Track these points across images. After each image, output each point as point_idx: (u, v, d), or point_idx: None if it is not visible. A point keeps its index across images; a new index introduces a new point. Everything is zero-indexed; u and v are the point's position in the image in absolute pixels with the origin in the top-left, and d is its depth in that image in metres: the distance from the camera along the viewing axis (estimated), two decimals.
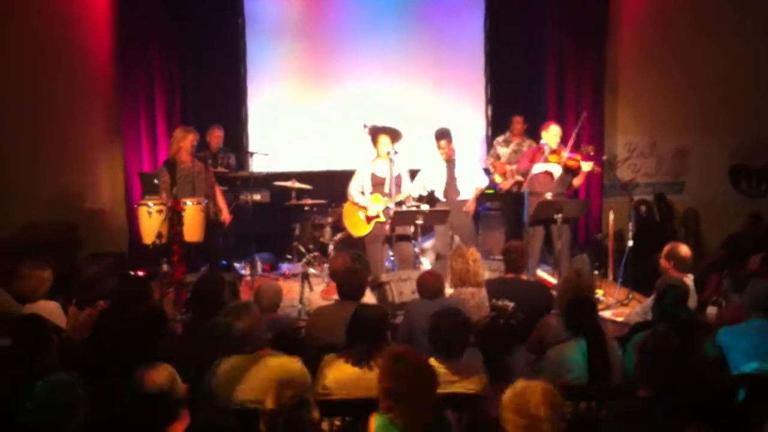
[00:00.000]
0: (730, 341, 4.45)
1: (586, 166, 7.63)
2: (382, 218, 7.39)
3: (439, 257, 7.90)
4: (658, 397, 3.32)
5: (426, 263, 8.20)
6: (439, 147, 7.82)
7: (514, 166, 8.52)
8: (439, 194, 7.92)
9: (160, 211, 7.02)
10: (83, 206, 9.30)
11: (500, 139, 9.08)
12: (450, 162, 7.89)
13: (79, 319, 5.16)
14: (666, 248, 5.89)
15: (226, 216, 7.74)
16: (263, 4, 9.82)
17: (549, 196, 7.62)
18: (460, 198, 7.88)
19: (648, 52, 9.76)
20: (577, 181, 7.87)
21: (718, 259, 7.71)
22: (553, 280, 7.76)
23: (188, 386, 3.56)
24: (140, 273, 7.57)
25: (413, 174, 7.83)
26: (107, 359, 4.14)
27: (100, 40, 9.25)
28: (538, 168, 7.70)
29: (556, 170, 7.73)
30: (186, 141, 7.39)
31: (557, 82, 9.76)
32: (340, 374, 4.02)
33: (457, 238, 8.05)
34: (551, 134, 7.74)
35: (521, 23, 9.87)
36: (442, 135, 7.83)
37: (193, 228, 7.07)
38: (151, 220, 7.05)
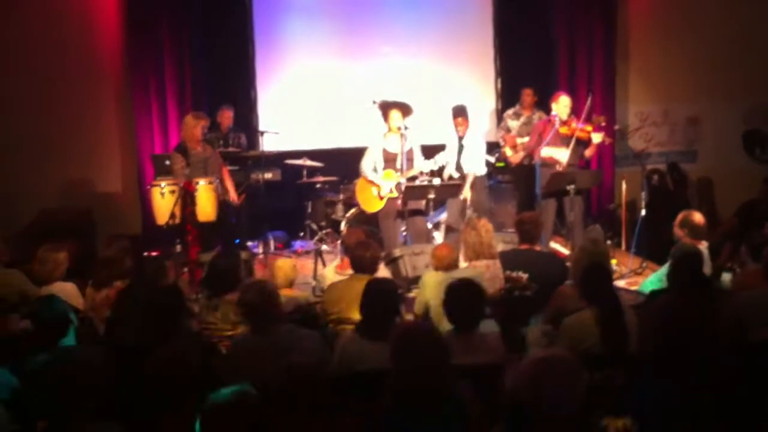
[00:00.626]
0: (747, 308, 4.44)
1: (597, 138, 7.56)
2: (395, 194, 7.38)
3: (450, 230, 7.93)
4: (677, 362, 3.31)
5: (439, 237, 8.21)
6: (457, 124, 7.89)
7: (526, 139, 8.51)
8: (453, 169, 7.95)
9: (172, 192, 7.05)
10: (97, 190, 9.33)
11: (510, 112, 9.04)
12: (462, 139, 7.95)
13: (97, 300, 5.20)
14: (679, 216, 5.87)
15: (233, 196, 7.75)
16: None
17: (563, 160, 7.58)
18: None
19: (659, 19, 9.67)
20: (588, 152, 7.82)
21: (732, 226, 7.69)
22: (566, 251, 7.76)
23: (205, 362, 3.60)
24: (154, 254, 7.61)
25: (426, 150, 7.81)
26: (126, 337, 4.19)
27: (110, 23, 9.22)
28: (546, 152, 7.65)
29: (563, 156, 7.62)
30: (197, 128, 7.39)
31: (568, 52, 9.69)
32: (354, 346, 4.05)
33: (469, 211, 8.05)
34: (561, 105, 7.68)
35: None
36: (461, 112, 7.88)
37: (206, 208, 7.09)
38: (164, 201, 7.07)
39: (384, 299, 4.17)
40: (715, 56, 9.57)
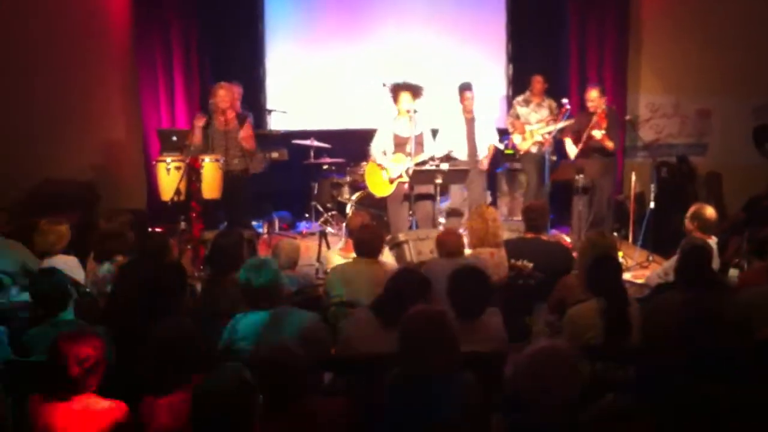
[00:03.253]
0: (753, 303, 4.39)
1: (597, 134, 7.63)
2: (405, 178, 7.33)
3: (452, 213, 7.93)
4: (689, 357, 3.29)
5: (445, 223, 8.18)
6: (465, 99, 7.92)
7: (535, 126, 8.47)
8: (461, 153, 7.89)
9: (178, 168, 7.00)
10: (102, 163, 9.30)
11: (520, 98, 8.97)
12: (471, 120, 7.92)
13: (98, 274, 5.18)
14: (691, 209, 5.81)
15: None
16: None
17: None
18: (478, 156, 8.00)
19: (672, 9, 9.56)
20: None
21: (739, 221, 7.64)
22: (568, 240, 7.78)
23: (207, 341, 3.58)
24: (158, 230, 7.58)
25: (435, 133, 7.77)
26: (127, 313, 4.16)
27: None
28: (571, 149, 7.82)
29: (572, 151, 7.80)
30: (217, 97, 7.37)
31: (579, 40, 9.59)
32: (363, 327, 4.01)
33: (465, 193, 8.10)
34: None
35: None
36: (469, 86, 7.96)
37: (211, 185, 7.05)
38: (169, 178, 7.03)
39: (411, 292, 4.02)
40: (727, 49, 9.46)
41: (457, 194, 8.08)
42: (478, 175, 8.08)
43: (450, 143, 7.84)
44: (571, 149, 7.86)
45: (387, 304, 4.02)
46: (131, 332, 3.83)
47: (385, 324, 3.94)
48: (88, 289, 5.09)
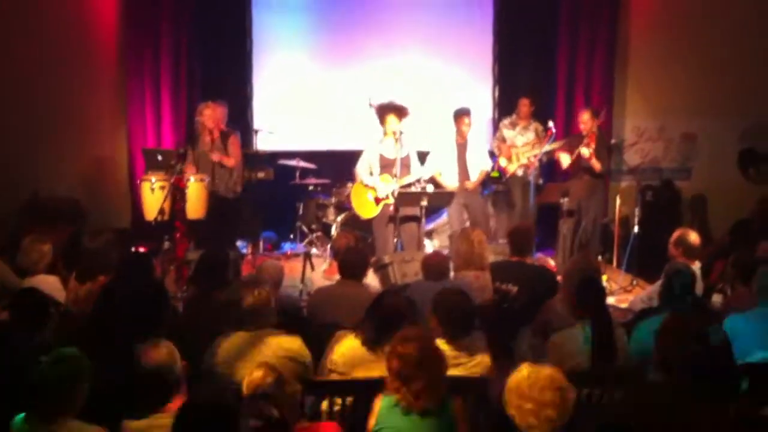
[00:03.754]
0: (737, 329, 4.40)
1: (585, 152, 7.68)
2: (391, 200, 7.31)
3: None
4: (677, 380, 3.29)
5: (430, 246, 8.17)
6: (464, 124, 7.90)
7: (521, 149, 8.50)
8: (452, 176, 7.90)
9: (162, 188, 6.98)
10: (89, 181, 9.23)
11: (506, 121, 8.99)
12: (463, 145, 7.93)
13: (79, 294, 5.11)
14: (675, 234, 5.83)
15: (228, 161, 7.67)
16: None
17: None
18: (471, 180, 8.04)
19: (659, 35, 9.63)
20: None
21: (724, 245, 7.65)
22: (553, 263, 7.78)
23: (188, 363, 3.54)
24: (142, 249, 7.53)
25: (422, 156, 7.77)
26: (108, 334, 4.11)
27: (107, 12, 9.17)
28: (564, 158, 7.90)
29: (565, 160, 7.83)
30: (203, 116, 7.38)
31: (567, 64, 9.65)
32: (349, 351, 3.98)
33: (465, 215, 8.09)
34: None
35: (532, 3, 9.74)
36: (468, 112, 7.93)
37: (196, 205, 7.03)
38: (153, 197, 7.01)
39: (393, 315, 4.02)
40: (713, 74, 9.54)
41: (455, 217, 8.06)
42: (474, 196, 8.08)
43: (440, 166, 7.86)
44: (565, 159, 7.87)
45: (371, 327, 4.00)
46: (112, 353, 3.77)
47: (369, 347, 3.92)
48: (68, 309, 5.02)
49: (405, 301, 4.27)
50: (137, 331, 3.79)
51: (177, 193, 6.87)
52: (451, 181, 7.92)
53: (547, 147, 8.00)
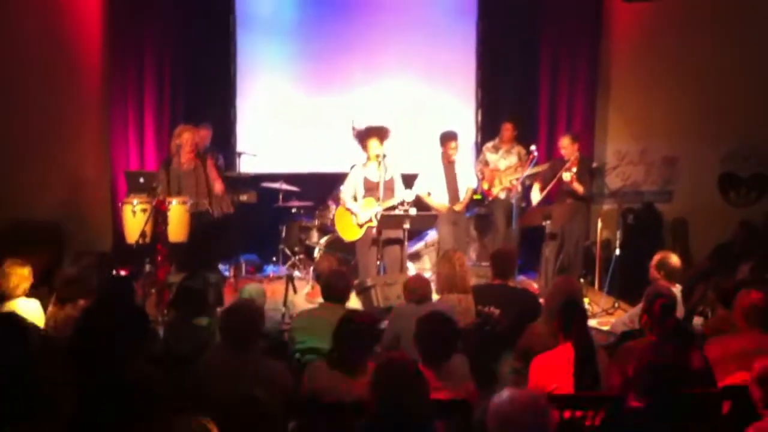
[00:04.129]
0: (717, 352, 4.42)
1: (566, 176, 7.71)
2: (374, 222, 7.32)
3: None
4: (654, 406, 3.29)
5: (413, 268, 8.17)
6: (450, 148, 7.96)
7: (504, 173, 8.56)
8: (442, 197, 7.96)
9: (144, 210, 6.94)
10: (70, 204, 9.17)
11: (489, 145, 9.04)
12: (450, 164, 8.00)
13: (59, 318, 5.08)
14: (656, 257, 5.87)
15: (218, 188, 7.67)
16: (255, 1, 9.75)
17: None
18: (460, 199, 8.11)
19: (640, 60, 9.73)
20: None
21: (705, 269, 7.69)
22: (535, 285, 7.80)
23: (169, 387, 3.50)
24: (123, 272, 7.48)
25: (410, 178, 7.78)
26: (88, 358, 4.07)
27: (91, 36, 9.16)
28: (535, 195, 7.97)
29: (535, 197, 7.95)
30: (179, 139, 7.36)
31: (549, 88, 9.75)
32: (325, 379, 3.96)
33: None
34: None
35: (514, 28, 9.83)
36: (455, 136, 8.01)
37: (178, 228, 6.99)
38: (135, 220, 6.97)
39: (360, 334, 4.07)
40: (693, 99, 9.64)
41: (446, 236, 8.08)
42: (461, 216, 8.16)
43: (429, 187, 7.93)
44: (535, 196, 7.93)
45: (341, 355, 4.00)
46: (92, 377, 3.74)
47: (345, 372, 3.92)
48: (48, 333, 4.98)
49: (369, 319, 4.29)
50: (117, 355, 3.77)
51: (159, 216, 6.84)
52: (440, 200, 7.96)
53: (530, 171, 8.05)
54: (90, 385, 3.58)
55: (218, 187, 7.60)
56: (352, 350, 3.99)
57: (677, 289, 5.64)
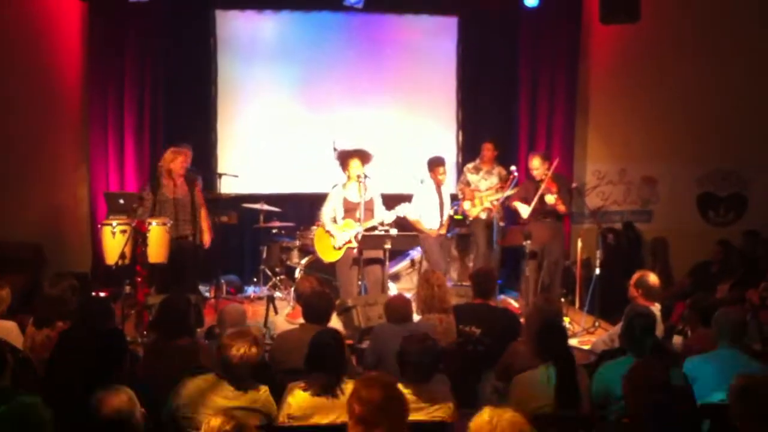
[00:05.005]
0: (697, 370, 4.44)
1: (550, 199, 7.71)
2: (354, 243, 7.32)
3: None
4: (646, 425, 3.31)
5: (394, 288, 8.16)
6: (439, 174, 8.15)
7: (484, 193, 8.58)
8: (433, 221, 8.08)
9: (123, 232, 6.91)
10: (50, 225, 9.11)
11: (470, 165, 9.07)
12: (440, 189, 8.18)
13: (37, 340, 5.03)
14: (635, 276, 5.90)
15: (207, 239, 7.66)
16: (235, 25, 9.75)
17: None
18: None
19: (619, 81, 9.86)
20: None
21: (685, 287, 7.75)
22: (516, 305, 7.82)
23: (149, 409, 3.48)
24: (102, 294, 7.43)
25: (389, 198, 7.80)
26: (66, 381, 4.04)
27: (70, 57, 9.14)
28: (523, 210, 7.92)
29: (524, 211, 7.85)
30: (168, 162, 7.37)
31: (529, 109, 9.83)
32: (304, 403, 3.95)
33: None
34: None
35: (494, 49, 9.90)
36: (443, 162, 8.22)
37: (157, 249, 6.96)
38: (114, 241, 6.92)
39: (329, 354, 4.08)
40: (672, 119, 9.76)
41: (435, 257, 8.16)
42: (444, 238, 8.36)
43: (420, 212, 8.04)
44: (524, 209, 7.86)
45: (313, 377, 4.01)
46: (70, 400, 3.71)
47: (317, 394, 3.91)
48: (26, 356, 4.93)
49: (335, 336, 4.28)
50: (96, 378, 3.73)
51: (138, 237, 6.81)
52: (431, 225, 8.09)
53: (510, 191, 8.07)
54: (67, 409, 3.56)
55: (203, 213, 7.64)
56: (322, 372, 4.01)
57: (656, 308, 5.67)
